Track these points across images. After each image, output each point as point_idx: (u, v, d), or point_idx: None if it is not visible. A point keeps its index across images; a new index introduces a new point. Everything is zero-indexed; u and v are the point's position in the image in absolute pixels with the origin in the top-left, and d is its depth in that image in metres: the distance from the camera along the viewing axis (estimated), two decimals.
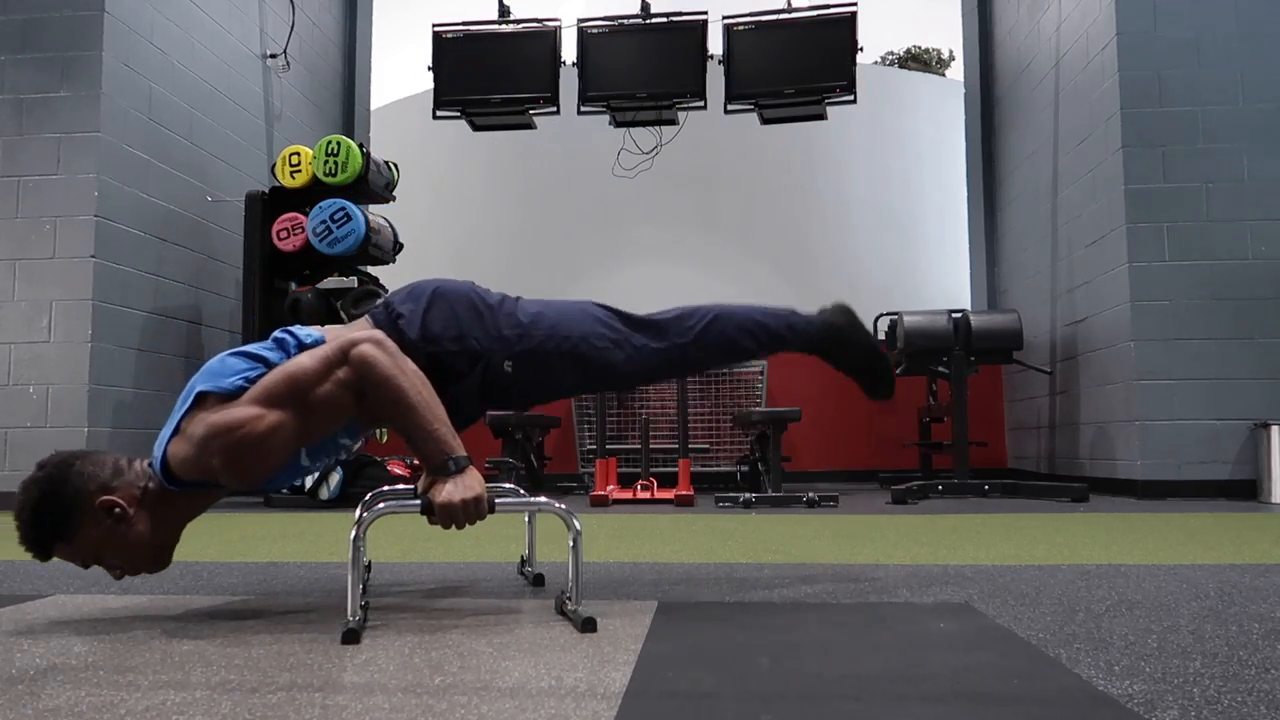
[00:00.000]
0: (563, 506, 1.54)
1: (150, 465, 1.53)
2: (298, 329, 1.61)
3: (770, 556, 2.36)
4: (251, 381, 1.48)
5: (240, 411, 1.44)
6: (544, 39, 5.08)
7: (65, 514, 1.45)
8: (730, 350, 1.85)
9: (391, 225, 4.87)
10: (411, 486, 1.79)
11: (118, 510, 1.47)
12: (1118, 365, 4.68)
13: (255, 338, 4.65)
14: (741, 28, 4.92)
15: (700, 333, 1.79)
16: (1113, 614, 1.54)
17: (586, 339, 1.73)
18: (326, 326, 1.68)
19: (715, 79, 4.92)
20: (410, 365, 1.50)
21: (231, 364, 1.51)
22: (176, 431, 1.48)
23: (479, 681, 1.14)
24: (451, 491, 1.44)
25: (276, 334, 1.60)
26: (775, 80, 4.87)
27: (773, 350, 1.94)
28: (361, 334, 1.52)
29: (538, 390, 1.76)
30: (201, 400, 1.47)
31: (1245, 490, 4.33)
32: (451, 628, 1.47)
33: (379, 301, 1.76)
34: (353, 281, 4.61)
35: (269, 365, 1.51)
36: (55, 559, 1.50)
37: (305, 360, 1.50)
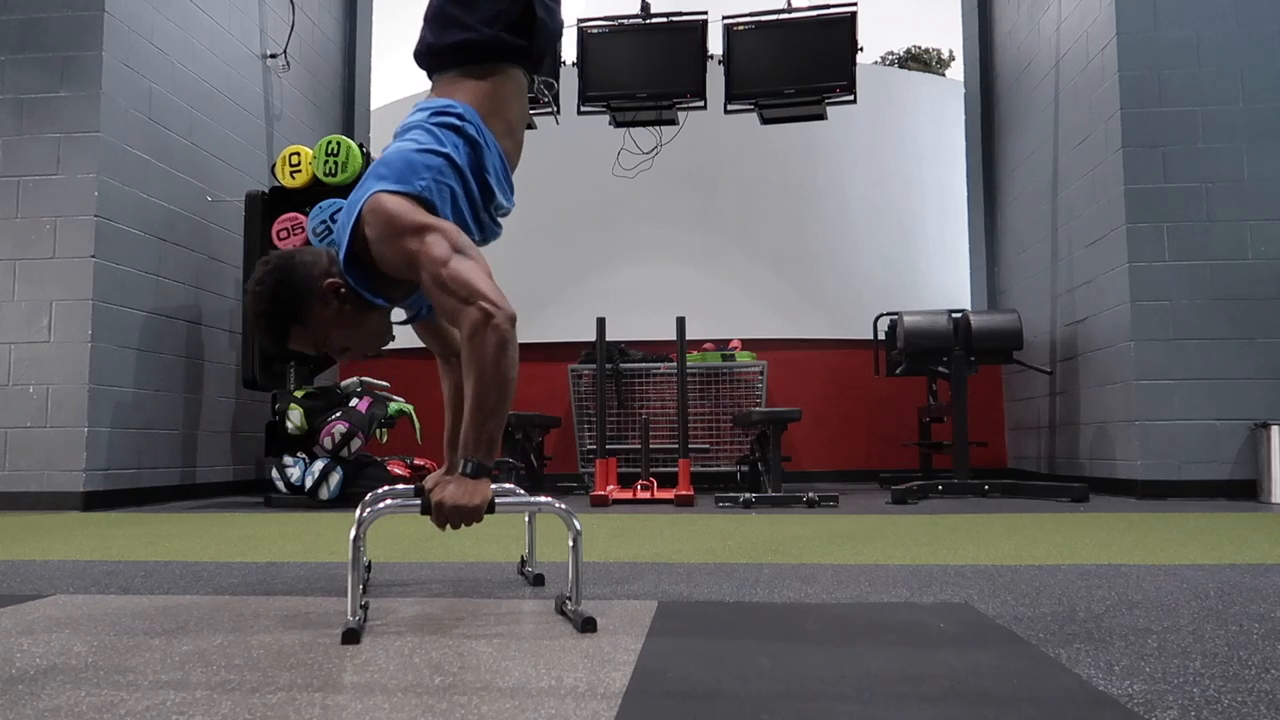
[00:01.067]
0: (563, 506, 1.55)
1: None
2: (445, 104, 1.67)
3: (770, 556, 2.36)
4: (438, 182, 1.56)
5: (408, 219, 1.50)
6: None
7: (299, 298, 1.55)
8: None
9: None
10: (411, 487, 1.79)
11: (343, 290, 1.56)
12: (1118, 365, 4.68)
13: (255, 337, 4.65)
14: (741, 28, 4.92)
15: None
16: (1113, 614, 1.54)
17: None
18: (453, 89, 1.72)
19: (715, 79, 4.91)
20: (505, 365, 1.47)
21: (417, 162, 1.57)
22: (358, 217, 1.54)
23: (479, 681, 1.14)
24: (454, 492, 1.44)
25: (438, 115, 1.66)
26: (775, 80, 4.87)
27: None
28: (500, 310, 1.46)
29: None
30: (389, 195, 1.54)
31: (1245, 490, 4.33)
32: (451, 628, 1.47)
33: (419, 51, 1.80)
34: None
35: (451, 161, 1.60)
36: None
37: (458, 270, 1.47)
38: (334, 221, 4.47)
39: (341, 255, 1.56)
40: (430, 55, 1.78)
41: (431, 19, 1.78)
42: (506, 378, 1.47)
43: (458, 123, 1.64)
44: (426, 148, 1.60)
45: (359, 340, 1.64)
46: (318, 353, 1.64)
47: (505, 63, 1.75)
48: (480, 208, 1.70)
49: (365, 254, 1.55)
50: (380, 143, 6.66)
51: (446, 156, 1.60)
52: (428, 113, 1.68)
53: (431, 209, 1.56)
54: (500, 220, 1.81)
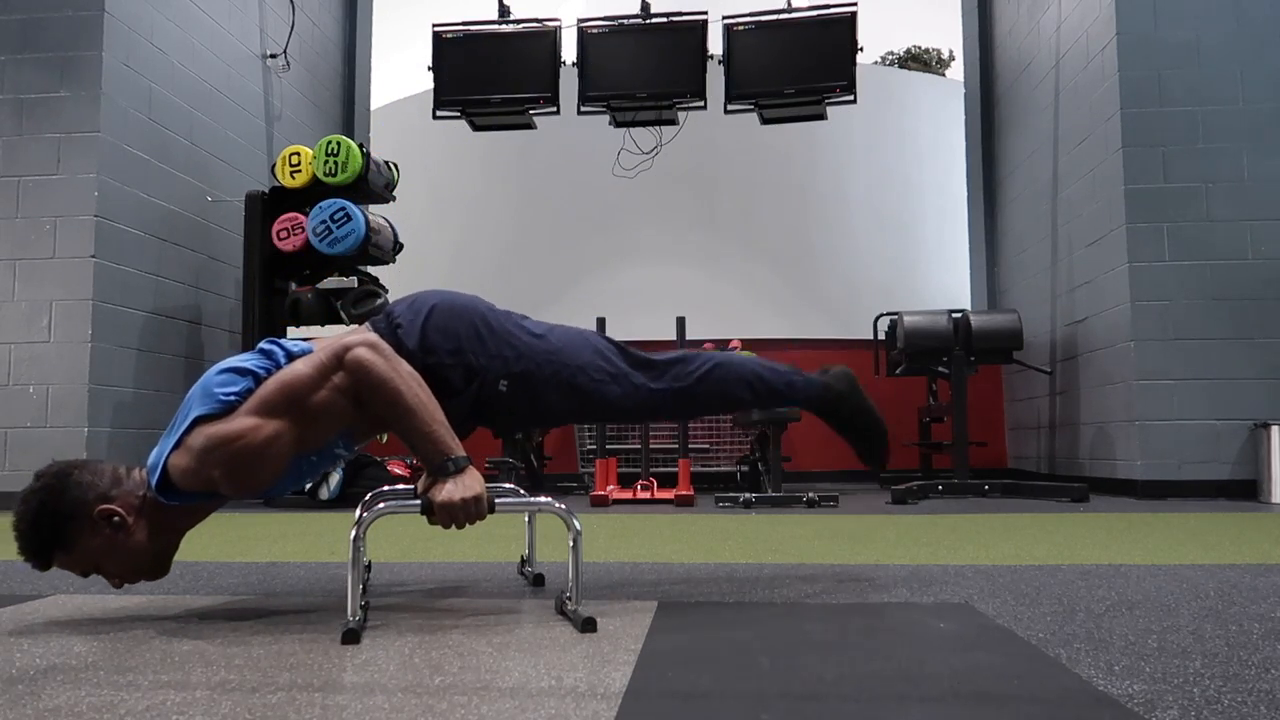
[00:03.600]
0: (563, 506, 1.55)
1: (147, 476, 1.52)
2: (284, 340, 1.60)
3: (770, 556, 2.36)
4: (243, 396, 1.47)
5: (239, 423, 1.44)
6: (544, 39, 5.07)
7: (64, 523, 1.45)
8: (726, 399, 1.85)
9: (391, 225, 4.87)
10: (411, 486, 1.79)
11: (116, 519, 1.47)
12: (1118, 365, 4.68)
13: (255, 338, 4.65)
14: (741, 28, 4.92)
15: (699, 379, 1.78)
16: (1113, 614, 1.54)
17: (584, 369, 1.71)
18: (313, 339, 1.66)
19: (715, 79, 4.92)
20: (405, 367, 1.50)
21: (221, 380, 1.49)
22: (177, 446, 1.47)
23: (479, 681, 1.14)
24: (451, 491, 1.44)
25: (263, 345, 1.59)
26: (775, 80, 4.87)
27: (768, 405, 1.96)
28: (355, 338, 1.52)
29: (530, 414, 1.75)
30: (198, 423, 1.46)
31: (1245, 490, 4.33)
32: (451, 628, 1.47)
33: (381, 310, 1.75)
34: (353, 281, 4.61)
35: (258, 379, 1.50)
36: (55, 568, 1.51)
37: (300, 367, 1.49)
38: (334, 221, 4.47)
39: (155, 481, 1.47)
40: (386, 310, 1.70)
41: (422, 299, 1.69)
42: (413, 373, 1.49)
43: (283, 360, 1.54)
44: (239, 368, 1.51)
45: (131, 571, 1.52)
46: (84, 576, 1.53)
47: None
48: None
49: (196, 484, 1.46)
50: (380, 143, 6.66)
51: (254, 374, 1.50)
52: (264, 342, 1.60)
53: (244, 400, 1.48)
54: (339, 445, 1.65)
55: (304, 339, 1.62)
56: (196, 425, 1.46)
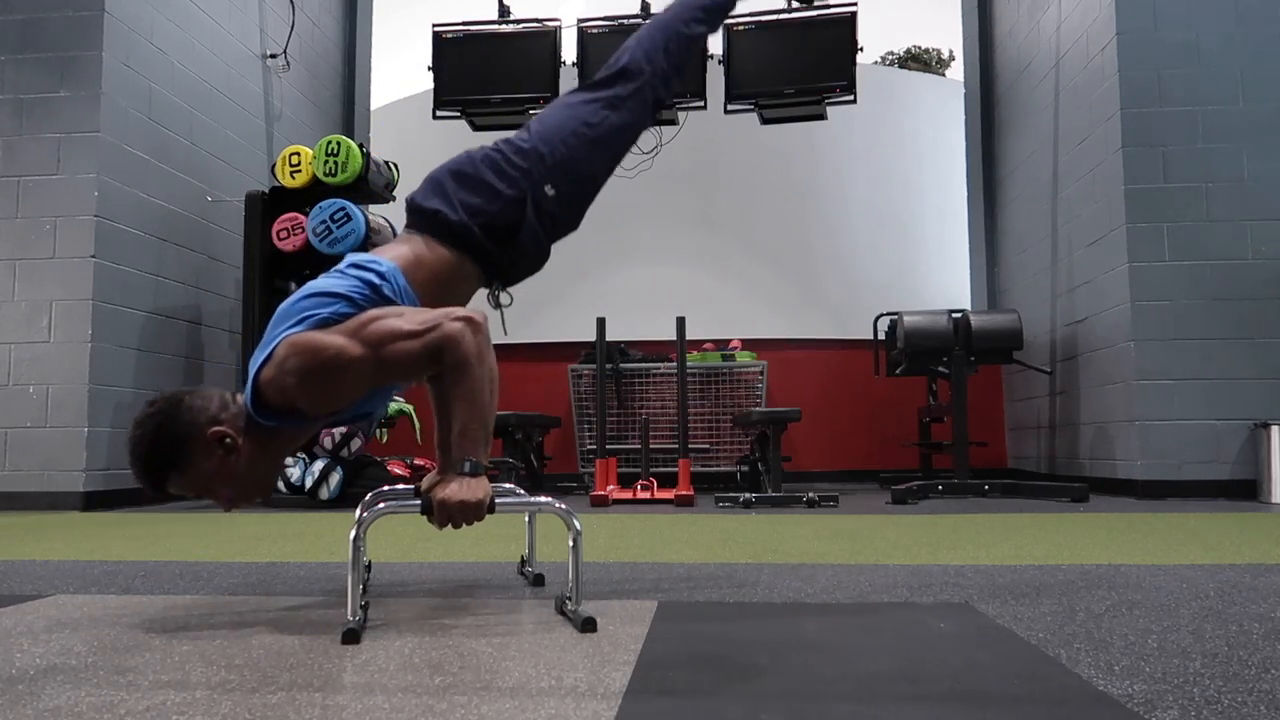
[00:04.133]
0: (563, 506, 1.55)
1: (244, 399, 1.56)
2: (370, 260, 1.62)
3: (770, 556, 2.36)
4: (338, 317, 1.51)
5: (332, 338, 1.48)
6: (544, 39, 5.07)
7: (179, 446, 1.49)
8: (693, 40, 1.99)
9: (391, 225, 4.87)
10: (411, 487, 1.79)
11: (228, 440, 1.50)
12: (1118, 365, 4.68)
13: (255, 338, 4.65)
14: (741, 28, 4.92)
15: (661, 47, 1.92)
16: (1113, 614, 1.54)
17: (586, 123, 1.82)
18: (397, 251, 1.69)
19: (715, 79, 4.91)
20: (491, 359, 1.51)
21: (312, 303, 1.53)
22: (266, 362, 1.49)
23: (479, 681, 1.14)
24: (455, 491, 1.44)
25: (353, 264, 1.61)
26: (775, 80, 4.87)
27: (721, 18, 2.08)
28: (463, 311, 1.52)
29: (582, 193, 1.84)
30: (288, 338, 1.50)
31: (1245, 490, 4.33)
32: (451, 628, 1.47)
33: (407, 200, 1.77)
34: None
35: (354, 304, 1.53)
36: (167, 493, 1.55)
37: (405, 324, 1.50)
38: (334, 221, 4.47)
39: (248, 399, 1.50)
40: (409, 208, 1.76)
41: (429, 179, 1.76)
42: (493, 372, 1.50)
43: (375, 279, 1.57)
44: (328, 290, 1.55)
45: (242, 491, 1.56)
46: (196, 498, 1.56)
47: (465, 254, 1.71)
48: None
49: (282, 402, 1.49)
50: (380, 143, 6.66)
51: (346, 298, 1.54)
52: (348, 262, 1.63)
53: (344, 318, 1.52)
54: (392, 397, 1.76)
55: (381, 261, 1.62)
56: (284, 341, 1.49)
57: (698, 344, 5.99)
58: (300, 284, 1.65)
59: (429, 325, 1.49)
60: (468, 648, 1.33)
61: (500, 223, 1.71)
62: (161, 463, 1.49)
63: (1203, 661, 1.21)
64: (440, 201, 1.71)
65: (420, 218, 1.72)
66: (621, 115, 1.85)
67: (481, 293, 1.83)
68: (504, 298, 1.86)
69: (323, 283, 1.58)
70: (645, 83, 1.88)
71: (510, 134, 1.84)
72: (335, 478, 4.34)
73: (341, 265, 1.64)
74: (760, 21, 4.92)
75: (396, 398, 4.67)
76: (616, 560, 2.30)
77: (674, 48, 1.93)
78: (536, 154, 1.76)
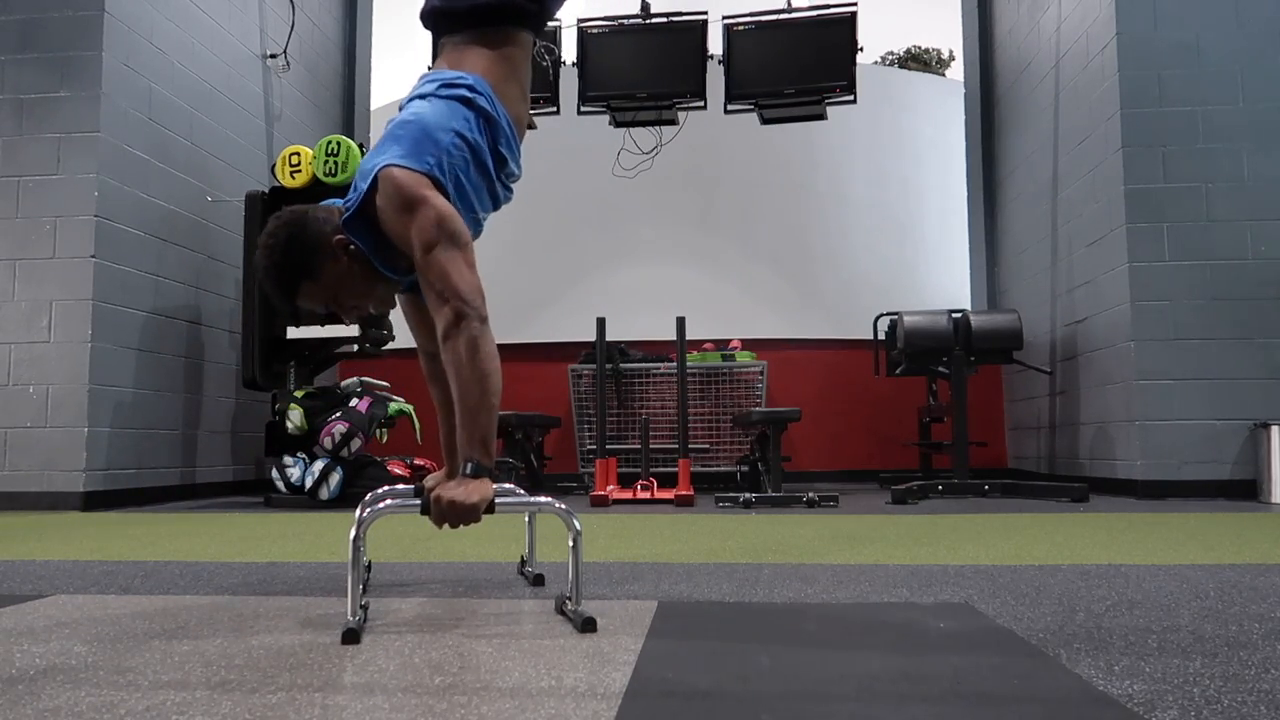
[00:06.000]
0: (563, 506, 1.55)
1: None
2: (455, 76, 1.66)
3: (770, 556, 2.36)
4: (449, 157, 1.57)
5: (416, 193, 1.51)
6: (543, 39, 5.07)
7: (310, 254, 1.55)
8: None
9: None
10: (411, 487, 1.79)
11: (353, 247, 1.56)
12: (1118, 365, 4.68)
13: (255, 338, 4.65)
14: (741, 28, 4.91)
15: None
16: (1113, 614, 1.54)
17: None
18: (464, 58, 1.72)
19: (715, 79, 4.91)
20: (481, 360, 1.49)
21: (429, 137, 1.57)
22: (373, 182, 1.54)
23: (479, 681, 1.14)
24: (454, 492, 1.44)
25: (447, 88, 1.65)
26: (775, 80, 4.86)
27: None
28: (480, 312, 1.50)
29: None
30: (392, 166, 1.54)
31: (1245, 490, 4.33)
32: (451, 628, 1.47)
33: (428, 12, 1.79)
34: None
35: (462, 137, 1.59)
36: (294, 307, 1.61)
37: (459, 260, 1.50)
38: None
39: (348, 215, 1.57)
40: (440, 16, 1.77)
41: None
42: (483, 374, 1.49)
43: (469, 94, 1.64)
44: (439, 123, 1.59)
45: (366, 298, 1.64)
46: (325, 310, 1.63)
47: (516, 27, 1.75)
48: (494, 179, 1.70)
49: (375, 220, 1.56)
50: None
51: (458, 133, 1.60)
52: (437, 84, 1.67)
53: (437, 184, 1.56)
54: (511, 186, 1.82)
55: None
56: (390, 168, 1.53)
57: (698, 344, 5.99)
58: None
59: (438, 282, 1.49)
60: (468, 648, 1.33)
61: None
62: (295, 271, 1.55)
63: (1203, 661, 1.21)
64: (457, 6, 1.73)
65: (458, 19, 1.74)
66: None
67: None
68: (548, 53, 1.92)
69: (430, 112, 1.61)
70: None
71: None
72: (335, 478, 4.34)
73: (433, 88, 1.66)
74: (760, 21, 4.92)
75: (396, 397, 4.66)
76: (616, 560, 2.30)
77: None
78: None
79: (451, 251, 1.51)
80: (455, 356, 1.48)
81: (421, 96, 1.67)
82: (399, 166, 1.53)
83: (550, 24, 1.92)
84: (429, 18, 1.80)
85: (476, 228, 1.72)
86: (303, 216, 1.57)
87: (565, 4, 1.89)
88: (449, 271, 1.49)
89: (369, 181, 1.55)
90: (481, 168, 1.66)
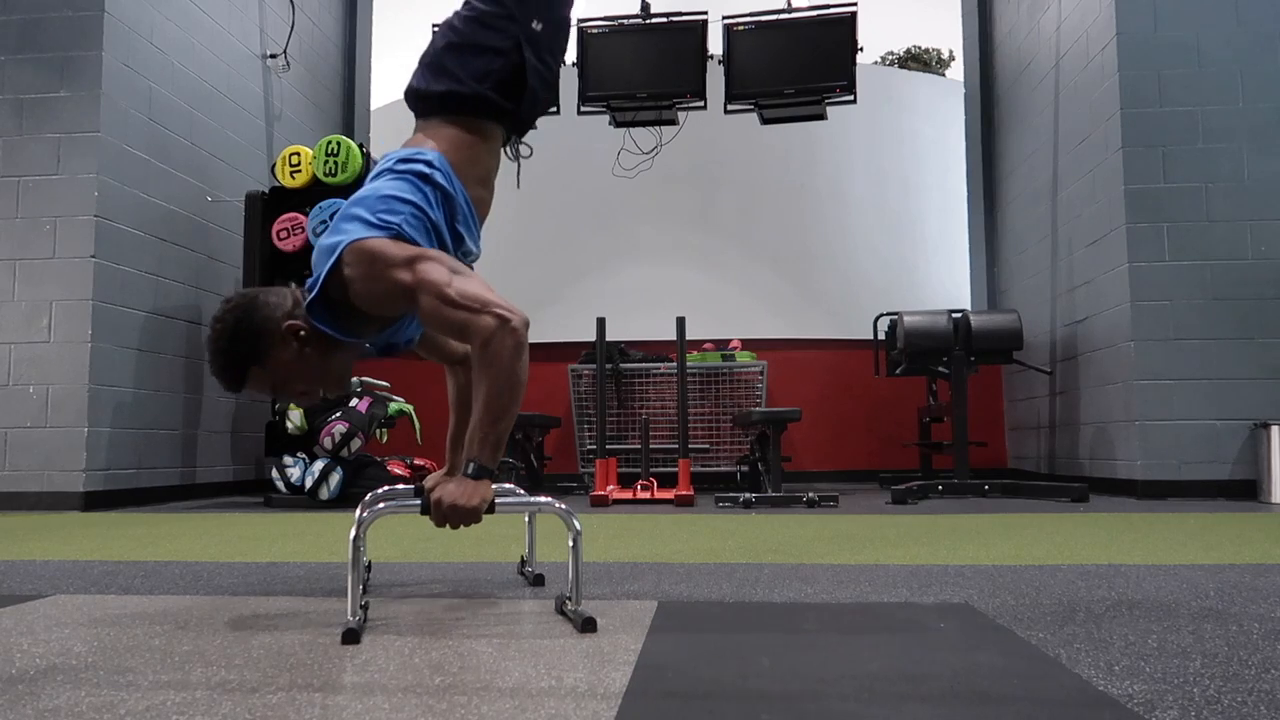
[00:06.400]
0: (563, 506, 1.55)
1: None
2: (415, 152, 1.67)
3: (770, 556, 2.36)
4: (402, 225, 1.55)
5: (393, 253, 1.50)
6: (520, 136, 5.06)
7: (258, 339, 1.52)
8: None
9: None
10: (411, 487, 1.79)
11: (303, 333, 1.53)
12: (1118, 365, 4.68)
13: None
14: (741, 28, 4.92)
15: None
16: (1113, 614, 1.54)
17: None
18: (428, 139, 1.72)
19: (715, 79, 4.91)
20: (516, 365, 1.47)
21: (384, 207, 1.57)
22: (336, 263, 1.52)
23: (479, 681, 1.14)
24: (454, 492, 1.44)
25: (405, 163, 1.65)
26: (775, 80, 4.86)
27: None
28: (506, 309, 1.48)
29: (561, 11, 1.88)
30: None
31: (1245, 490, 4.33)
32: (451, 628, 1.47)
33: (409, 93, 1.80)
34: None
35: (422, 211, 1.59)
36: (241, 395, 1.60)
37: (457, 284, 1.49)
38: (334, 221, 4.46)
39: (311, 297, 1.54)
40: (416, 98, 1.79)
41: (425, 64, 1.80)
42: (519, 381, 1.48)
43: (426, 170, 1.64)
44: (395, 194, 1.59)
45: (317, 384, 1.60)
46: (273, 395, 1.61)
47: (488, 120, 1.77)
48: (451, 254, 1.67)
49: (341, 296, 1.54)
50: (380, 143, 6.66)
51: (415, 205, 1.59)
52: (395, 160, 1.68)
53: (413, 243, 1.56)
54: (471, 266, 1.80)
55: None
56: (356, 242, 1.52)
57: (698, 344, 5.99)
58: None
59: (470, 303, 1.47)
60: (468, 648, 1.33)
61: (508, 76, 1.75)
62: (241, 357, 1.53)
63: (1203, 661, 1.21)
64: (448, 81, 1.74)
65: (432, 103, 1.76)
66: None
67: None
68: (523, 149, 1.93)
69: (385, 185, 1.61)
70: None
71: None
72: (335, 478, 4.34)
73: (390, 164, 1.67)
74: (760, 21, 4.92)
75: (396, 397, 4.67)
76: (616, 560, 2.30)
77: None
78: None
79: (469, 279, 1.51)
80: (497, 358, 1.45)
81: (378, 175, 1.67)
82: (365, 238, 1.52)
83: (526, 127, 1.93)
84: (408, 98, 1.82)
85: (404, 334, 1.71)
86: (252, 301, 1.54)
87: (547, 110, 1.91)
88: (478, 292, 1.49)
89: (332, 259, 1.52)
90: (440, 245, 1.64)
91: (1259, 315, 4.45)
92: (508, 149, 1.92)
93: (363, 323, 1.60)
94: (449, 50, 1.77)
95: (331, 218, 4.45)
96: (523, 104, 1.79)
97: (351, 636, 1.36)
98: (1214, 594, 1.73)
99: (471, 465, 1.46)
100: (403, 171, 1.64)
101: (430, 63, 1.79)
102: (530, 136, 1.99)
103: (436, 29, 1.84)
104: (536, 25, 1.78)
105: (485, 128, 1.77)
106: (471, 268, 1.77)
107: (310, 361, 1.56)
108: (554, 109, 5.08)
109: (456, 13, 1.82)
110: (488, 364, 1.46)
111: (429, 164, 1.65)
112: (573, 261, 6.73)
